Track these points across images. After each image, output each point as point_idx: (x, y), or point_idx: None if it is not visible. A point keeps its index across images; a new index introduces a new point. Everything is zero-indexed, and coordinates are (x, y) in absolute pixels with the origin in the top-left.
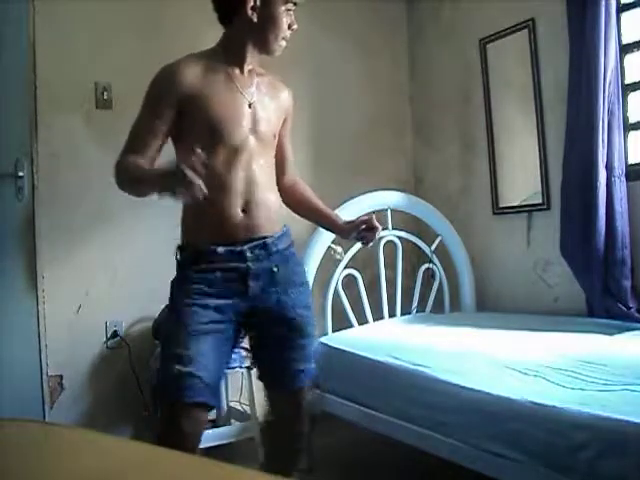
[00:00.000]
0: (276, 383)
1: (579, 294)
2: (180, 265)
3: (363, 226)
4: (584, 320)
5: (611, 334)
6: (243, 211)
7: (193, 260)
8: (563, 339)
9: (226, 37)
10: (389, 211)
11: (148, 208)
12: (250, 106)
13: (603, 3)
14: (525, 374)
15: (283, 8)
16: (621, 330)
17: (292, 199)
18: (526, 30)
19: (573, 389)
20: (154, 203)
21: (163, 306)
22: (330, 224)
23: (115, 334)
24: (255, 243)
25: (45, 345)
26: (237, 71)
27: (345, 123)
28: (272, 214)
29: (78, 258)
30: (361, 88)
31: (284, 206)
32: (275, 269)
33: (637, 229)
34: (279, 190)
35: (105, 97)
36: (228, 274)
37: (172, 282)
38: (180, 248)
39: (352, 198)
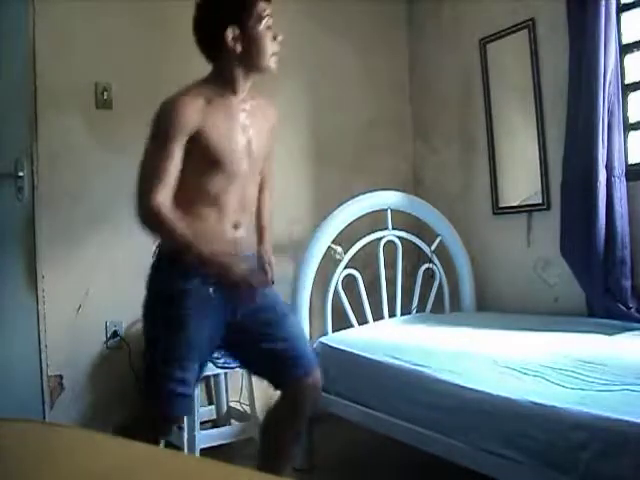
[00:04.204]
0: (288, 367)
1: (579, 294)
2: (169, 272)
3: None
4: (584, 320)
5: (611, 334)
6: (234, 227)
7: (183, 271)
8: (563, 339)
9: (217, 70)
10: (389, 211)
11: None
12: (245, 134)
13: (603, 3)
14: (525, 374)
15: (262, 26)
16: (621, 330)
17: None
18: (526, 30)
19: (573, 389)
20: None
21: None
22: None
23: (115, 334)
24: (243, 257)
25: (45, 345)
26: (233, 101)
27: (345, 123)
28: (253, 230)
29: (78, 258)
30: (361, 88)
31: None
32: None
33: (637, 229)
34: None
35: (105, 97)
36: (221, 288)
37: (161, 287)
38: (165, 255)
39: (352, 198)
